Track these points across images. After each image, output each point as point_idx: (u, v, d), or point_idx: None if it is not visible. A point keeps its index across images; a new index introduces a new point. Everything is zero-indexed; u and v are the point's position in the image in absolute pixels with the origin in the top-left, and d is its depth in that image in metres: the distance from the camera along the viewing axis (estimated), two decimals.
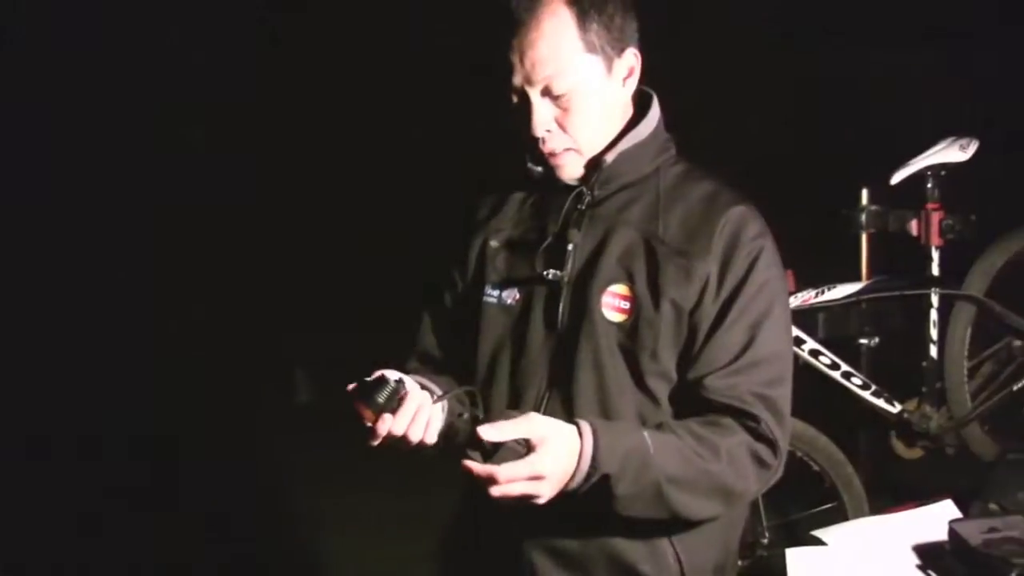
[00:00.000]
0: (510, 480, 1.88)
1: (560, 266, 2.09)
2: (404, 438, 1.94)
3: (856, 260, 4.42)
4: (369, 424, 1.93)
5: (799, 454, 3.92)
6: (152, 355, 7.13)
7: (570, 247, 2.09)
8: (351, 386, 1.96)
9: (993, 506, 2.79)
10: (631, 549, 2.06)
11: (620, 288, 2.04)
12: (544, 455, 1.89)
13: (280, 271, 8.06)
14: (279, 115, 7.99)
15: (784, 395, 2.05)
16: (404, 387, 1.95)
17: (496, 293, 2.17)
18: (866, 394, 4.15)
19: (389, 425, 1.93)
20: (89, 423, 6.20)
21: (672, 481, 1.94)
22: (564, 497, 1.94)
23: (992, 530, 2.56)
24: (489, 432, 1.90)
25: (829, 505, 3.98)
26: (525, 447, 1.89)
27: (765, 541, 3.89)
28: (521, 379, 2.13)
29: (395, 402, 1.93)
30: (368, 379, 1.96)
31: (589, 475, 1.92)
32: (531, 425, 1.92)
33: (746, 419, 1.99)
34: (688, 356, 2.04)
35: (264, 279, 7.98)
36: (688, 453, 1.95)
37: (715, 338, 2.02)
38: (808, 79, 5.70)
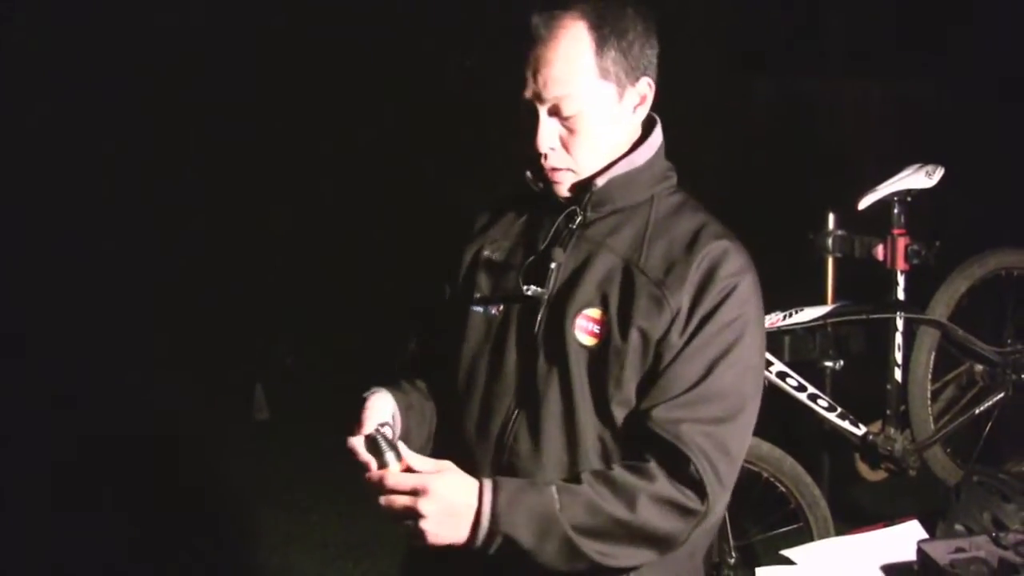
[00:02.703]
0: (395, 487, 1.91)
1: (542, 283, 2.10)
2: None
3: (822, 284, 4.45)
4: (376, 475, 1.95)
5: (765, 475, 3.93)
6: (124, 364, 7.12)
7: (553, 266, 2.09)
8: (358, 445, 1.98)
9: (959, 527, 2.79)
10: None
11: (593, 312, 2.04)
12: (437, 477, 1.92)
13: (244, 287, 8.06)
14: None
15: (734, 433, 2.00)
16: (392, 430, 2.02)
17: (482, 303, 2.18)
18: (832, 416, 4.18)
19: (397, 469, 1.96)
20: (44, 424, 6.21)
21: (583, 533, 1.92)
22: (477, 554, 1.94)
23: (959, 550, 2.56)
24: (405, 452, 1.95)
25: (795, 526, 3.99)
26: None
27: (732, 561, 3.90)
28: (494, 394, 2.13)
29: (390, 442, 1.98)
30: (369, 436, 1.98)
31: (491, 532, 1.92)
32: (441, 463, 1.96)
33: (676, 459, 1.95)
34: (644, 385, 2.03)
35: (227, 296, 7.98)
36: (599, 504, 1.93)
37: (671, 369, 2.00)
38: (777, 103, 5.75)
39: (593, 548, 1.93)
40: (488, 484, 1.95)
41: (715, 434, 1.96)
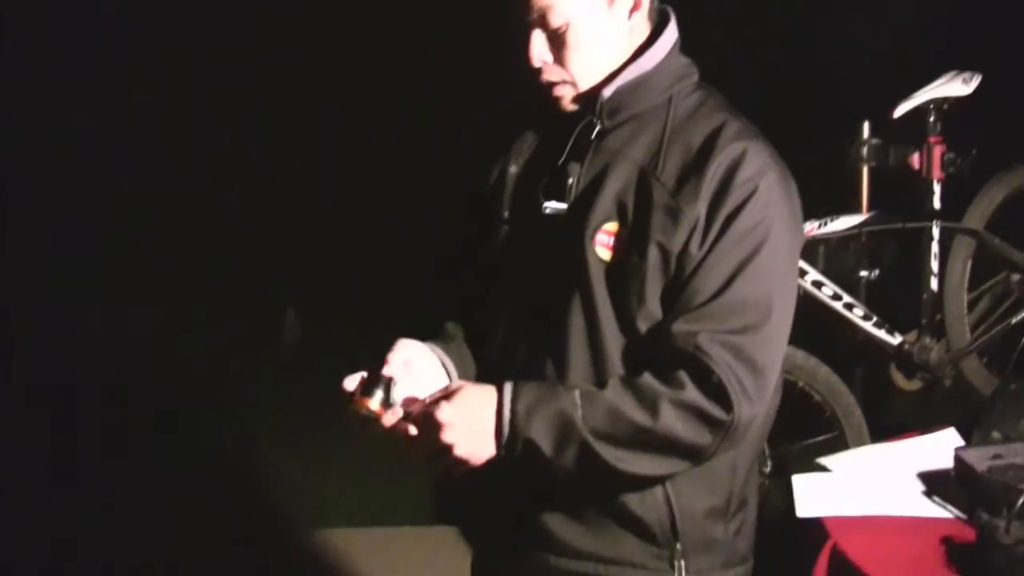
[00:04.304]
0: (414, 425, 1.92)
1: (561, 199, 2.07)
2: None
3: (856, 194, 4.41)
4: (374, 418, 1.95)
5: (800, 384, 3.92)
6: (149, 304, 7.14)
7: (570, 180, 2.06)
8: (353, 386, 1.98)
9: (996, 434, 2.80)
10: (621, 489, 2.02)
11: (611, 226, 1.99)
12: (449, 404, 1.90)
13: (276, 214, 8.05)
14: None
15: (760, 343, 1.92)
16: (395, 382, 1.98)
17: (505, 222, 2.16)
18: (867, 325, 4.16)
19: (399, 416, 1.95)
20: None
21: (602, 438, 1.89)
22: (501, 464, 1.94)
23: (996, 457, 2.57)
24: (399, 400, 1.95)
25: (830, 435, 3.99)
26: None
27: (767, 470, 3.91)
28: (517, 315, 2.12)
29: (393, 395, 1.97)
30: (365, 376, 1.98)
31: (512, 438, 1.91)
32: (451, 385, 1.97)
33: (698, 370, 1.89)
34: (666, 298, 1.98)
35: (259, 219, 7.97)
36: (620, 409, 1.89)
37: (690, 281, 1.94)
38: (809, 9, 5.65)
39: (611, 454, 1.90)
40: (508, 389, 1.93)
41: (737, 344, 1.90)
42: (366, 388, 1.96)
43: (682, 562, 2.04)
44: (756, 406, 1.93)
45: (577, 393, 1.92)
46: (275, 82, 7.84)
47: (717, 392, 1.89)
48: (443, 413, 1.90)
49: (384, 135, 7.86)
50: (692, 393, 1.89)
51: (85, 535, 4.50)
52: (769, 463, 3.94)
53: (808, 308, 3.95)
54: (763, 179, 1.95)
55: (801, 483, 2.69)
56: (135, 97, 7.45)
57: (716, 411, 1.89)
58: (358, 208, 7.83)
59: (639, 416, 1.89)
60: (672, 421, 1.89)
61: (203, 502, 4.81)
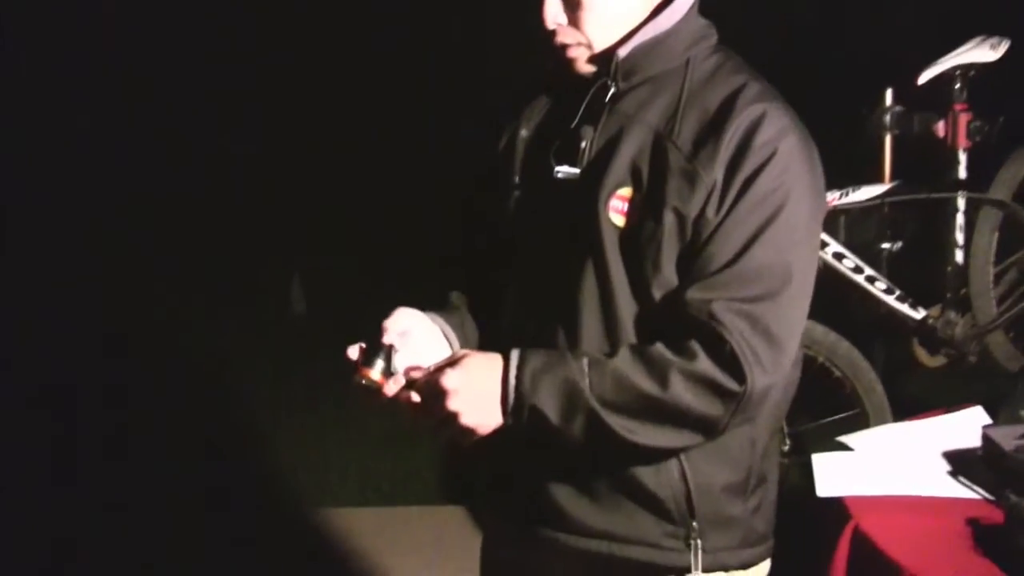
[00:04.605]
0: (418, 393, 1.90)
1: (573, 163, 2.02)
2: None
3: (878, 163, 4.36)
4: (375, 388, 1.94)
5: (820, 359, 3.89)
6: (152, 262, 7.14)
7: (583, 144, 2.01)
8: (355, 355, 1.96)
9: None
10: (634, 463, 1.98)
11: (625, 191, 1.95)
12: (455, 370, 1.89)
13: (283, 183, 8.07)
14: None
15: (776, 312, 1.88)
16: (396, 350, 1.96)
17: (519, 186, 2.12)
18: (890, 299, 4.13)
19: (400, 385, 1.93)
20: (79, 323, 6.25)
21: (609, 407, 1.87)
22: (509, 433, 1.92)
23: None
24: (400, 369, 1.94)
25: (850, 412, 3.96)
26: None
27: (785, 448, 3.88)
28: (528, 283, 2.09)
29: (394, 364, 1.95)
30: (366, 345, 1.96)
31: (518, 405, 1.89)
32: (457, 353, 1.96)
33: (711, 339, 1.86)
34: (681, 265, 1.94)
35: (264, 189, 7.98)
36: (628, 378, 1.87)
37: (705, 248, 1.90)
38: None
39: (620, 424, 1.87)
40: (515, 356, 1.91)
41: (752, 313, 1.86)
42: (366, 358, 1.94)
43: (698, 540, 2.01)
44: (771, 377, 1.88)
45: (585, 361, 1.89)
46: (277, 52, 7.92)
47: (729, 362, 1.85)
48: (448, 380, 1.88)
49: (387, 105, 7.93)
50: (703, 363, 1.85)
51: (90, 518, 4.54)
52: (787, 441, 3.92)
53: (828, 281, 3.91)
54: (783, 142, 1.90)
55: (821, 462, 2.66)
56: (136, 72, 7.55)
57: (728, 382, 1.85)
58: (360, 178, 7.89)
59: (647, 385, 1.86)
60: (681, 391, 1.85)
61: (206, 482, 4.85)
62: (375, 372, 1.92)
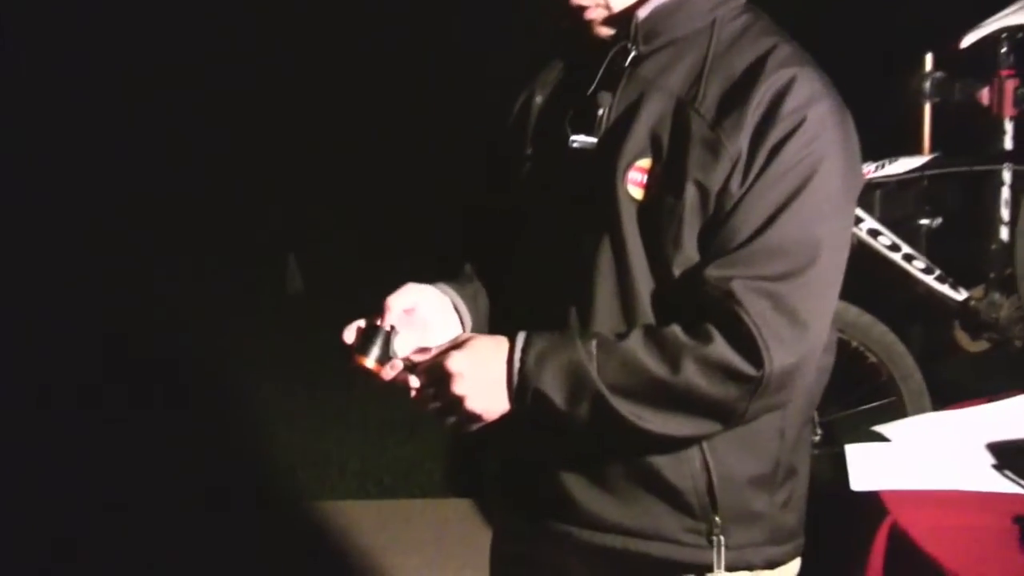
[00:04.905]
0: (419, 376, 1.91)
1: (589, 132, 2.01)
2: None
3: (917, 133, 4.35)
4: (374, 374, 1.95)
5: (853, 344, 3.90)
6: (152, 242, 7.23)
7: (600, 112, 2.00)
8: (351, 338, 1.97)
9: None
10: (651, 452, 1.97)
11: (645, 162, 1.94)
12: (460, 352, 1.90)
13: (279, 159, 8.12)
14: None
15: (801, 291, 1.87)
16: (396, 331, 1.98)
17: (532, 156, 2.11)
18: (929, 279, 4.13)
19: (400, 368, 1.94)
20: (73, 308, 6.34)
21: (617, 392, 1.86)
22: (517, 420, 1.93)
23: None
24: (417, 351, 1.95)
25: (886, 400, 3.97)
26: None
27: (817, 439, 3.85)
28: (540, 260, 2.08)
29: (391, 349, 1.96)
30: (364, 329, 1.97)
31: (521, 389, 1.89)
32: (461, 336, 1.97)
33: (729, 320, 1.84)
34: (702, 241, 1.92)
35: (261, 165, 8.02)
36: (638, 361, 1.86)
37: (727, 223, 1.89)
38: None
39: (630, 410, 1.86)
40: (520, 338, 1.91)
41: (774, 292, 1.84)
42: (362, 343, 1.95)
43: (721, 537, 2.00)
44: (793, 360, 1.86)
45: (594, 343, 1.88)
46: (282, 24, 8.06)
47: (746, 344, 1.83)
48: (453, 362, 1.88)
49: (387, 88, 8.03)
50: (719, 347, 1.84)
51: (90, 519, 4.60)
52: (819, 431, 3.91)
53: (863, 260, 3.90)
54: (813, 109, 1.88)
55: (855, 453, 2.64)
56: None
57: (743, 366, 1.84)
58: (363, 143, 7.95)
59: (658, 369, 1.85)
60: (693, 376, 1.84)
61: (201, 477, 4.88)
62: (370, 360, 1.93)
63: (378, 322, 1.96)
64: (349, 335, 1.98)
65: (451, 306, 2.09)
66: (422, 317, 2.02)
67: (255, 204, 7.75)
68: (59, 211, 7.40)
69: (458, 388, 1.88)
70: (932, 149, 4.33)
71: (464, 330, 2.08)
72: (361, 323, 1.98)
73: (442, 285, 2.11)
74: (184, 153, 8.05)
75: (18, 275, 6.49)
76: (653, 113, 1.95)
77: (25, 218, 7.24)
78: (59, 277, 6.75)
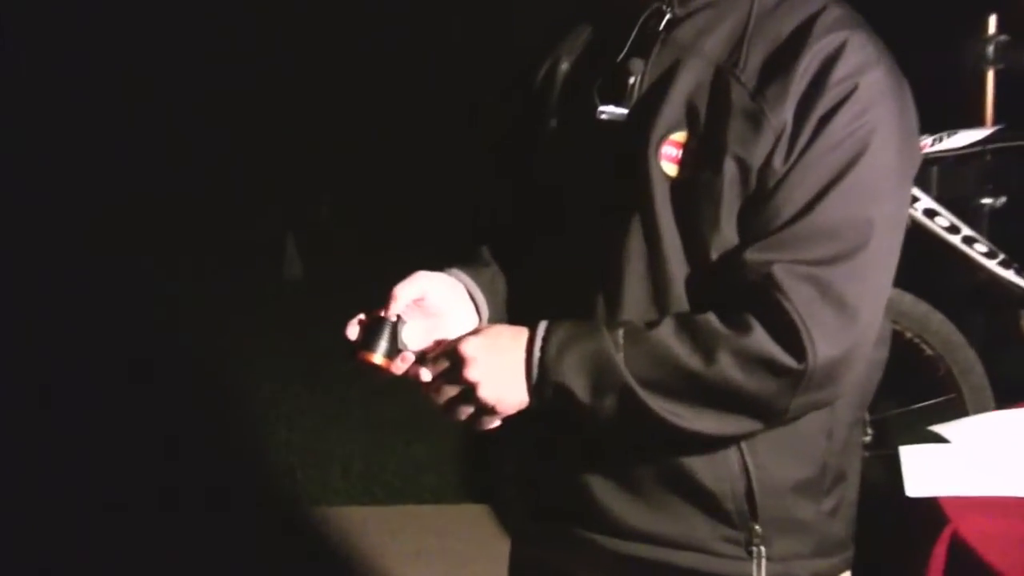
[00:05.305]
0: (430, 365, 1.92)
1: (619, 103, 2.01)
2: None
3: (978, 103, 4.37)
4: (383, 370, 1.97)
5: (908, 335, 3.90)
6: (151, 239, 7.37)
7: (631, 80, 2.00)
8: (354, 334, 1.98)
9: None
10: (685, 452, 1.96)
11: (680, 136, 1.94)
12: (473, 337, 1.92)
13: (277, 139, 8.20)
14: None
15: (851, 276, 1.86)
16: (403, 321, 1.99)
17: (556, 128, 2.11)
18: (991, 264, 4.11)
19: (411, 361, 1.95)
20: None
21: (647, 385, 1.86)
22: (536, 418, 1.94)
23: None
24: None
25: (945, 397, 3.97)
26: None
27: (868, 440, 3.85)
28: (564, 241, 2.08)
29: (399, 340, 1.97)
30: (368, 323, 1.98)
31: (541, 381, 1.89)
32: (481, 326, 2.01)
33: (769, 309, 1.84)
34: (742, 222, 1.92)
35: (259, 148, 8.11)
36: (669, 352, 1.86)
37: (769, 201, 1.88)
38: None
39: (662, 406, 1.86)
40: (542, 326, 1.91)
41: (820, 277, 1.84)
42: (367, 338, 1.95)
43: (761, 547, 1.99)
44: (839, 352, 1.85)
45: (622, 332, 1.88)
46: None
47: (787, 334, 1.83)
48: (467, 347, 1.90)
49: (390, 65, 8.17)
50: (758, 338, 1.84)
51: (90, 519, 4.70)
52: (870, 431, 3.90)
53: (919, 242, 3.87)
54: (865, 77, 1.88)
55: (910, 456, 2.64)
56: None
57: (784, 358, 1.83)
58: (362, 141, 8.07)
59: (690, 361, 1.85)
60: (728, 368, 1.84)
61: (209, 476, 4.97)
62: (377, 356, 1.94)
63: (382, 314, 1.96)
64: (352, 331, 1.98)
65: (465, 294, 2.09)
66: (433, 307, 2.02)
67: (254, 198, 7.86)
68: (58, 210, 7.58)
69: (471, 374, 1.88)
70: (995, 121, 4.36)
71: (481, 320, 2.08)
72: (363, 317, 1.99)
73: (455, 271, 2.11)
74: (183, 151, 8.25)
75: (17, 274, 6.65)
76: (689, 81, 1.95)
77: (24, 218, 7.41)
78: (59, 267, 6.92)
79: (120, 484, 4.85)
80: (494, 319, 2.09)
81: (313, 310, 6.31)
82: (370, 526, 4.67)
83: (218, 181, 7.92)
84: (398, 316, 1.96)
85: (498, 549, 2.31)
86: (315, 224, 7.32)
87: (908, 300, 3.88)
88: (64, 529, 4.57)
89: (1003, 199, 4.28)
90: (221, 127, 8.28)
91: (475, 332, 1.93)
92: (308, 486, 5.01)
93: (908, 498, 2.54)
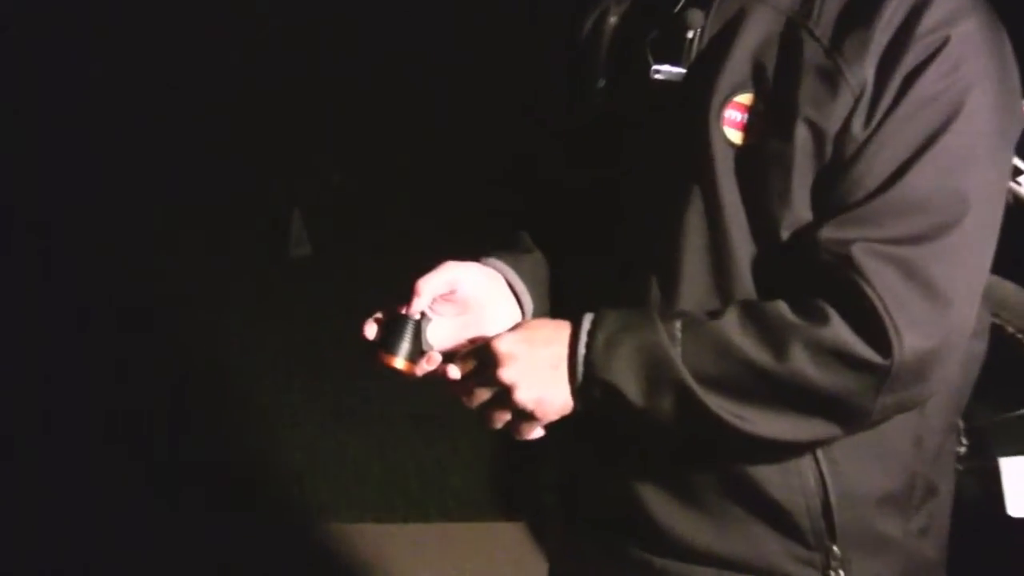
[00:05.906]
0: (460, 362, 1.94)
1: (676, 61, 2.01)
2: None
3: None
4: (405, 373, 1.99)
5: (1010, 330, 3.87)
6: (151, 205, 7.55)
7: (690, 35, 2.01)
8: (373, 333, 2.00)
9: None
10: (752, 461, 1.98)
11: (746, 97, 1.95)
12: (509, 333, 1.93)
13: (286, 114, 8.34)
14: None
15: (941, 257, 1.84)
16: (428, 319, 2.01)
17: (605, 91, 2.12)
18: None
19: (437, 362, 1.97)
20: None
21: (707, 383, 1.86)
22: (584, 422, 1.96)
23: None
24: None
25: None
26: None
27: (962, 450, 3.82)
28: (614, 220, 2.09)
29: (423, 340, 2.00)
30: (388, 320, 2.00)
31: (587, 380, 1.90)
32: (521, 322, 2.03)
33: (848, 294, 1.83)
34: (817, 196, 1.92)
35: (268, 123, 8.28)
36: (733, 344, 1.86)
37: (848, 172, 1.88)
38: None
39: (726, 408, 1.86)
40: (587, 319, 1.92)
41: (906, 258, 1.83)
42: (386, 338, 1.98)
43: (840, 571, 2.00)
44: (930, 345, 1.85)
45: (679, 323, 1.89)
46: None
47: (870, 325, 1.82)
48: (503, 343, 1.90)
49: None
50: (836, 329, 1.84)
51: (89, 518, 4.86)
52: (965, 440, 3.84)
53: (1021, 221, 3.85)
54: (957, 27, 1.87)
55: (1013, 469, 2.62)
56: None
57: (866, 351, 1.82)
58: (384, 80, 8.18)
59: (758, 356, 1.85)
60: (802, 364, 1.84)
61: (208, 475, 5.12)
62: (399, 360, 1.96)
63: (403, 310, 1.97)
64: (370, 330, 1.99)
65: (505, 285, 2.11)
66: (467, 301, 2.04)
67: (253, 152, 7.96)
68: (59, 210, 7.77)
69: (506, 374, 1.88)
70: None
71: (524, 315, 2.10)
72: (381, 314, 2.00)
73: (492, 260, 2.13)
74: (184, 144, 8.44)
75: (16, 268, 6.86)
76: (755, 35, 1.96)
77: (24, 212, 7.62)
78: (57, 264, 7.11)
79: (120, 484, 4.99)
80: (539, 313, 2.11)
81: (323, 292, 6.42)
82: (388, 544, 4.75)
83: (219, 154, 8.09)
84: (422, 313, 1.98)
85: (535, 570, 2.33)
86: (325, 198, 7.35)
87: (1010, 288, 3.84)
88: (64, 529, 4.74)
89: None
90: (221, 119, 8.50)
91: (512, 328, 1.94)
92: (319, 498, 5.07)
93: (1009, 517, 2.54)
